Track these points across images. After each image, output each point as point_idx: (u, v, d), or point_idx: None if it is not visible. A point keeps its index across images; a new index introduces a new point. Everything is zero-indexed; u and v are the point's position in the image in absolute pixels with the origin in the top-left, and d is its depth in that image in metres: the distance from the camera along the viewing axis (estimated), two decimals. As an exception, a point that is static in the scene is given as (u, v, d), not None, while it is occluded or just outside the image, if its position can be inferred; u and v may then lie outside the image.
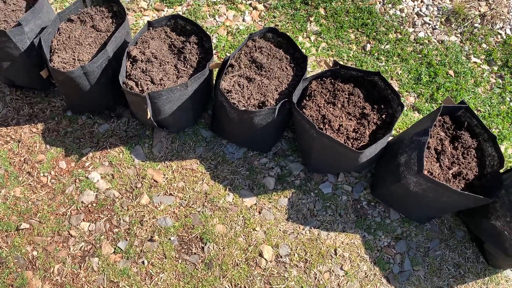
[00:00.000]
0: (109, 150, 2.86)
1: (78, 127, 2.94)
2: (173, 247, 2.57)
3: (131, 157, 2.84)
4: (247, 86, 2.56)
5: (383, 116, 2.45)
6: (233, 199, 2.71)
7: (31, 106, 3.03)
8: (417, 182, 2.29)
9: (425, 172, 2.23)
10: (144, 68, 2.59)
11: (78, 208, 2.67)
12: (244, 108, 2.43)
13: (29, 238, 2.59)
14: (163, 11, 3.45)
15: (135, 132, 2.93)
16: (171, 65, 2.64)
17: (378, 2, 3.52)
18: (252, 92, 2.54)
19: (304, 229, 2.63)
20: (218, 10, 3.45)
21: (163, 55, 2.66)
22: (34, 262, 2.53)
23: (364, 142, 2.39)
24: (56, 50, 2.67)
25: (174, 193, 2.72)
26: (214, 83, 2.86)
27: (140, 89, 2.54)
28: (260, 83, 2.56)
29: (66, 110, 3.01)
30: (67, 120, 2.97)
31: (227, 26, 3.36)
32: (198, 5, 3.46)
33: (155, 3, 3.47)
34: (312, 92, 2.53)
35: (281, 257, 2.55)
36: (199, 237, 2.60)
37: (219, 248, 2.56)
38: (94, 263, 2.52)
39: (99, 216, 2.65)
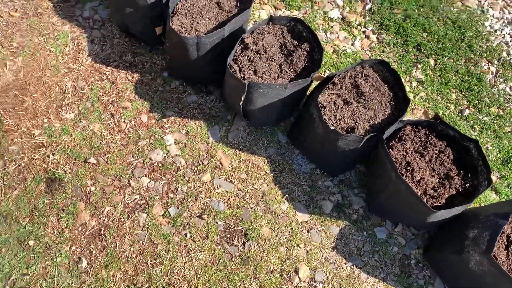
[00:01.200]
0: (189, 120, 2.95)
1: (169, 89, 3.06)
2: (217, 231, 2.60)
3: (207, 134, 2.91)
4: (341, 108, 2.56)
5: (467, 184, 2.37)
6: (287, 208, 2.72)
7: (134, 55, 3.18)
8: (479, 261, 2.19)
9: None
10: (252, 58, 2.65)
11: (145, 162, 2.77)
12: (333, 128, 2.43)
13: (92, 173, 2.71)
14: (280, 10, 3.52)
15: (218, 113, 3.00)
16: (277, 64, 2.69)
17: (490, 73, 3.41)
18: (345, 115, 2.54)
19: (346, 264, 2.58)
20: (331, 27, 3.48)
21: (272, 52, 2.71)
22: (89, 197, 2.64)
23: (439, 203, 2.33)
24: (178, 14, 2.79)
25: (234, 182, 2.76)
26: (307, 94, 2.87)
27: (242, 75, 2.60)
28: (355, 109, 2.56)
29: (163, 70, 3.13)
30: (162, 80, 3.09)
31: (335, 45, 3.38)
32: (315, 16, 3.50)
33: (275, 2, 3.55)
34: (404, 136, 2.49)
35: (315, 281, 2.52)
36: (244, 231, 2.62)
37: (259, 250, 2.57)
38: (141, 218, 2.60)
39: (161, 177, 2.73)
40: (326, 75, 3.13)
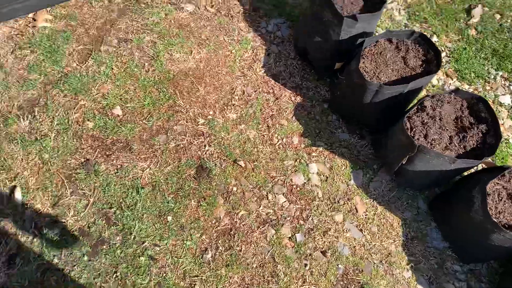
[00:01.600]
0: (336, 156, 3.00)
1: (325, 121, 3.14)
2: (336, 273, 2.60)
3: (350, 175, 2.94)
4: (504, 202, 2.46)
5: None
6: (409, 277, 2.65)
7: (302, 79, 3.31)
8: None
9: None
10: (425, 121, 2.65)
11: (285, 182, 2.86)
12: (495, 220, 2.34)
13: (238, 174, 2.85)
14: (451, 79, 3.48)
15: (365, 159, 3.03)
16: (447, 134, 2.65)
17: None
18: (506, 210, 2.43)
19: None
20: (499, 112, 3.36)
21: (447, 122, 2.68)
22: (229, 195, 2.78)
23: None
24: (364, 57, 2.87)
25: (364, 232, 2.76)
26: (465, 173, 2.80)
27: (412, 135, 2.60)
28: (518, 208, 2.44)
29: (324, 102, 3.23)
30: (320, 109, 3.19)
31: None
32: (485, 96, 3.41)
33: (448, 69, 3.51)
34: None
35: None
36: (361, 284, 2.59)
37: (372, 308, 2.53)
38: (270, 233, 2.68)
39: (296, 201, 2.81)
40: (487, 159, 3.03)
